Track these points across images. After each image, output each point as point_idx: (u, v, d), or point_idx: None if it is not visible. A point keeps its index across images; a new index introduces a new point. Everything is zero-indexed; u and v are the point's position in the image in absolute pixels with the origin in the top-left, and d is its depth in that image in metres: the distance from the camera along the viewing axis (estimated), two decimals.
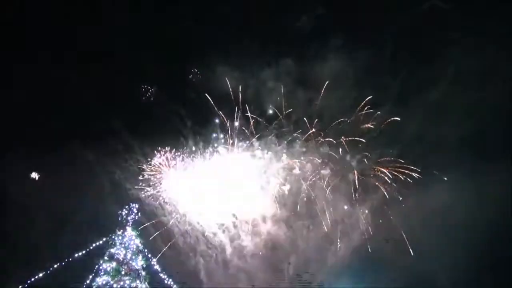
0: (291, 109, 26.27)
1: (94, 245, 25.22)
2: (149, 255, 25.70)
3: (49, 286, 23.74)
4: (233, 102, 26.08)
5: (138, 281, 24.61)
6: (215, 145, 26.76)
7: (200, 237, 26.53)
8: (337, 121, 26.22)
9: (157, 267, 25.42)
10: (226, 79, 25.94)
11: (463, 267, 23.92)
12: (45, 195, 25.70)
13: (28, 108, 25.98)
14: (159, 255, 25.73)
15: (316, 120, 26.26)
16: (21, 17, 26.52)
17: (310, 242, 26.58)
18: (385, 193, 25.60)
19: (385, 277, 24.93)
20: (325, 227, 26.13)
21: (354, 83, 26.04)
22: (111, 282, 24.04)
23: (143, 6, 28.01)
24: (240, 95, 26.00)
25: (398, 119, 25.36)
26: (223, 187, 26.71)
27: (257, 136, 26.68)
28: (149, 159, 27.06)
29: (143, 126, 26.61)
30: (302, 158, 26.76)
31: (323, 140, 26.53)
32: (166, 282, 24.96)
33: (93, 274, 24.39)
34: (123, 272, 24.49)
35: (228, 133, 26.55)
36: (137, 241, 25.79)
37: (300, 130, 26.55)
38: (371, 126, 25.94)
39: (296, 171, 26.76)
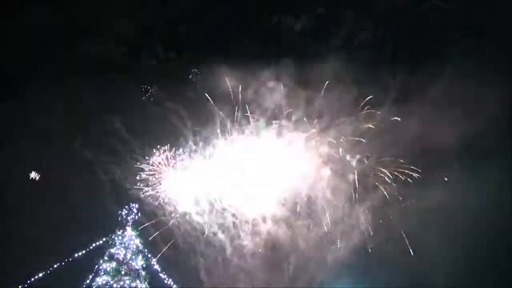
0: (291, 109, 26.28)
1: (94, 245, 25.24)
2: (149, 255, 25.75)
3: (49, 286, 23.73)
4: (233, 101, 26.11)
5: (138, 281, 24.63)
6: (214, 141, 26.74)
7: (200, 237, 26.49)
8: (337, 121, 26.27)
9: (157, 267, 25.45)
10: (226, 79, 25.93)
11: (464, 267, 23.95)
12: (45, 194, 25.75)
13: (28, 108, 26.02)
14: (159, 255, 25.75)
15: (316, 120, 26.28)
16: (21, 17, 26.51)
17: (310, 242, 26.55)
18: (385, 193, 25.63)
19: (385, 277, 24.96)
20: (325, 227, 26.13)
21: (354, 83, 26.04)
22: (111, 282, 24.07)
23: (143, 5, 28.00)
24: (240, 95, 26.02)
25: (398, 119, 25.38)
26: (223, 186, 26.75)
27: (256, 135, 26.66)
28: (148, 159, 27.04)
29: (143, 125, 26.63)
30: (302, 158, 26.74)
31: (323, 140, 26.55)
32: (166, 282, 24.99)
33: (93, 274, 24.41)
34: (123, 272, 24.51)
35: (228, 133, 26.55)
36: (137, 241, 25.82)
37: (301, 130, 26.56)
38: (371, 126, 25.95)
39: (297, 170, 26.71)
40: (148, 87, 28.32)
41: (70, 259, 24.40)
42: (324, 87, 25.72)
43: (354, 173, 26.17)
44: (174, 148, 26.95)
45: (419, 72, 25.56)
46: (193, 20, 27.70)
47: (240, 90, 25.94)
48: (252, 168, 26.83)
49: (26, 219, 25.13)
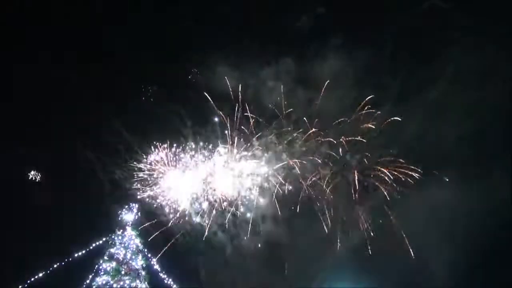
0: (291, 109, 26.27)
1: (94, 245, 25.25)
2: (149, 255, 25.76)
3: (49, 286, 23.73)
4: (233, 101, 26.11)
5: (138, 281, 24.64)
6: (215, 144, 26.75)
7: (200, 237, 26.51)
8: (337, 121, 26.26)
9: (157, 267, 25.47)
10: (226, 78, 25.95)
11: (464, 267, 23.95)
12: (44, 194, 25.77)
13: (27, 107, 26.04)
14: (159, 255, 25.75)
15: (316, 120, 26.28)
16: (21, 17, 26.56)
17: (310, 242, 26.53)
18: (385, 193, 25.62)
19: (385, 277, 24.94)
20: (325, 227, 26.12)
21: (354, 82, 26.03)
22: (111, 282, 24.06)
23: (143, 6, 28.02)
24: (240, 94, 26.02)
25: (399, 119, 25.37)
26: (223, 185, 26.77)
27: (257, 135, 26.68)
28: (148, 159, 27.06)
29: (143, 125, 26.65)
30: (302, 158, 26.76)
31: (323, 140, 26.55)
32: (166, 282, 25.00)
33: (93, 274, 24.41)
34: (123, 272, 24.51)
35: (228, 132, 26.56)
36: (137, 241, 25.84)
37: (301, 130, 26.59)
38: (371, 126, 25.93)
39: (296, 171, 26.74)
40: (148, 87, 28.39)
41: (70, 259, 24.40)
42: (324, 87, 25.75)
43: (354, 173, 26.20)
44: (174, 148, 27.02)
45: (419, 72, 25.61)
46: (193, 20, 27.72)
47: (240, 90, 25.99)
48: (252, 168, 26.90)
49: (26, 219, 25.17)
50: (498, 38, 24.72)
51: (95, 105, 26.14)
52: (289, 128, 26.63)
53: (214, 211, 26.53)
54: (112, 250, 25.09)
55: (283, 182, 26.62)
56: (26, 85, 26.57)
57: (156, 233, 25.87)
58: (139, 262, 25.22)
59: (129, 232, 25.87)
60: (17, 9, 26.40)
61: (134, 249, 25.53)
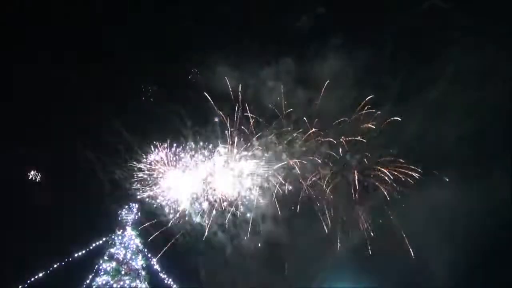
0: (291, 109, 26.27)
1: (94, 245, 25.26)
2: (149, 255, 25.76)
3: (49, 286, 23.75)
4: (233, 101, 26.11)
5: (138, 281, 24.66)
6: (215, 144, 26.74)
7: (200, 237, 26.50)
8: (337, 121, 26.26)
9: (157, 267, 25.47)
10: (226, 78, 25.94)
11: (464, 267, 23.95)
12: (44, 194, 25.77)
13: (27, 107, 26.05)
14: (159, 255, 25.76)
15: (316, 120, 26.27)
16: (21, 17, 26.56)
17: (310, 242, 26.53)
18: (385, 193, 25.62)
19: (385, 277, 24.94)
20: (325, 227, 26.11)
21: (354, 82, 26.02)
22: (111, 282, 24.09)
23: (143, 6, 28.02)
24: (240, 94, 26.02)
25: (399, 119, 25.36)
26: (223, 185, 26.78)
27: (257, 135, 26.68)
28: (148, 159, 27.04)
29: (143, 125, 26.65)
30: (302, 158, 26.76)
31: (323, 140, 26.55)
32: (166, 282, 25.01)
33: (93, 274, 24.43)
34: (123, 272, 24.54)
35: (228, 132, 26.55)
36: (137, 241, 25.84)
37: (301, 130, 26.59)
38: (371, 126, 25.93)
39: (296, 171, 26.74)
40: (148, 87, 28.39)
41: (70, 259, 24.41)
42: (324, 87, 25.75)
43: (354, 173, 26.20)
44: (174, 148, 27.02)
45: (419, 72, 25.61)
46: (193, 20, 27.72)
47: (240, 90, 25.98)
48: (252, 168, 26.90)
49: (26, 219, 25.17)
50: (498, 38, 24.73)
51: (95, 105, 26.14)
52: (289, 128, 26.69)
53: (214, 211, 26.53)
54: (112, 250, 25.14)
55: (283, 182, 26.66)
56: (26, 85, 26.63)
57: (156, 233, 25.87)
58: (139, 262, 25.26)
59: (129, 232, 25.91)
60: (17, 9, 26.44)
61: (134, 249, 25.57)
